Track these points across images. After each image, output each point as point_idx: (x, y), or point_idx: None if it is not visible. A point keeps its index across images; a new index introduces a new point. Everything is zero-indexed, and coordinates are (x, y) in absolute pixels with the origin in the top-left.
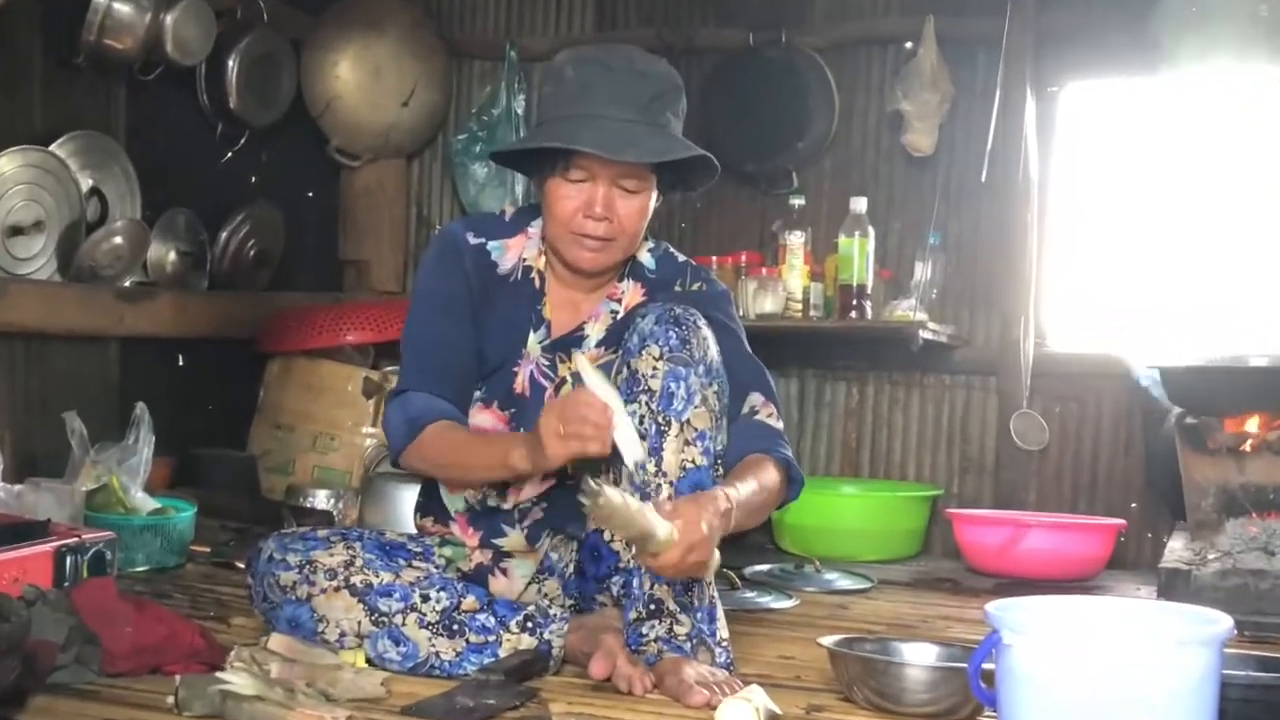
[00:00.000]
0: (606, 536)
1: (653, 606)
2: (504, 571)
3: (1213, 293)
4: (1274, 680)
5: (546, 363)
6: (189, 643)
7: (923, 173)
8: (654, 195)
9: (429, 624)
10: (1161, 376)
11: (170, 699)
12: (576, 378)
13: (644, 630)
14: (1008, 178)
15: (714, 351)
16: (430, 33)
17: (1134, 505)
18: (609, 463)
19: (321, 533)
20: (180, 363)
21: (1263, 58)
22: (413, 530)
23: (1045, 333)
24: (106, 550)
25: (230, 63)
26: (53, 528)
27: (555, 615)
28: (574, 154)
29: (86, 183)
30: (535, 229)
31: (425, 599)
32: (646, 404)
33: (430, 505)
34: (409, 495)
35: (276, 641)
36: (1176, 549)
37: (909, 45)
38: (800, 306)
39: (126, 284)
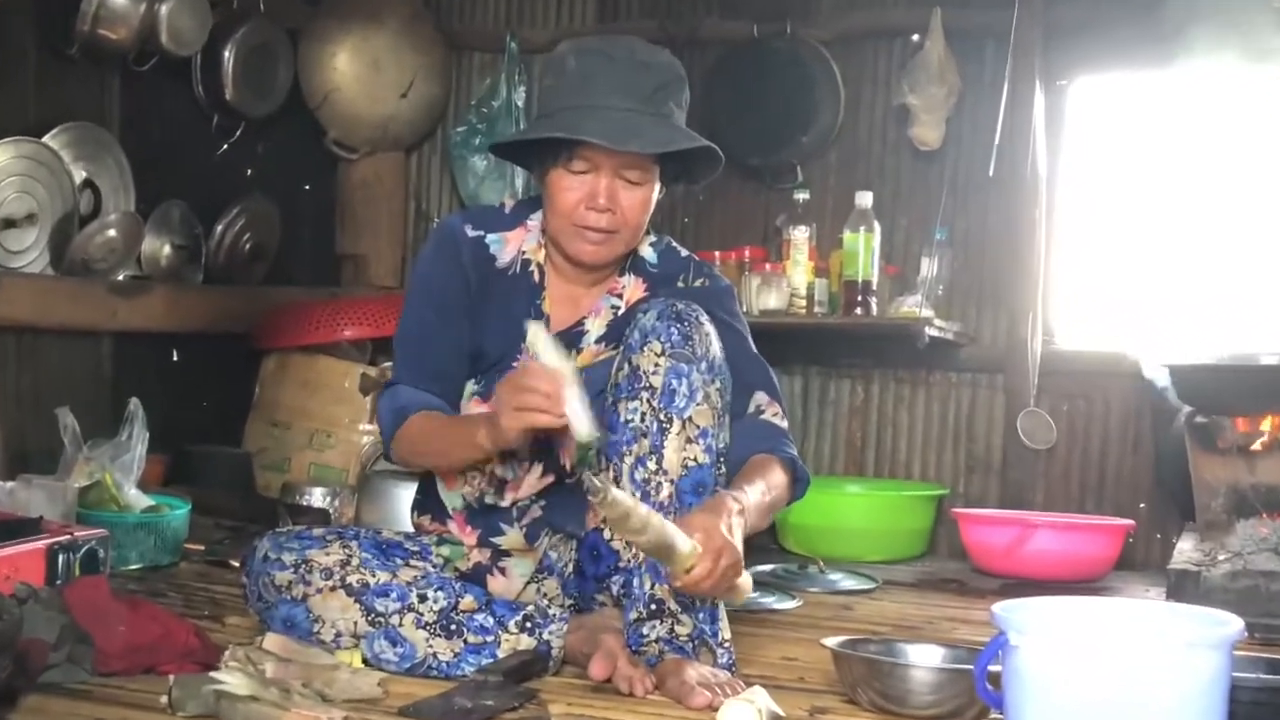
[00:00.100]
0: (606, 535)
1: (654, 607)
2: (502, 571)
3: (1223, 290)
4: None
5: None
6: (183, 642)
7: (929, 167)
8: (657, 187)
9: (426, 624)
10: (1171, 375)
11: (164, 699)
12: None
13: (645, 630)
14: (1016, 172)
15: (716, 348)
16: (430, 24)
17: (1143, 505)
18: (607, 460)
19: (317, 531)
20: (174, 358)
21: (1277, 50)
22: (410, 529)
23: (1053, 330)
24: (99, 548)
25: (226, 53)
26: (45, 525)
27: (554, 615)
28: (576, 145)
29: (80, 175)
30: (535, 222)
31: (423, 599)
32: (648, 400)
33: (428, 503)
34: (406, 493)
35: (272, 641)
36: (1186, 550)
37: (916, 38)
38: (804, 303)
39: (120, 278)
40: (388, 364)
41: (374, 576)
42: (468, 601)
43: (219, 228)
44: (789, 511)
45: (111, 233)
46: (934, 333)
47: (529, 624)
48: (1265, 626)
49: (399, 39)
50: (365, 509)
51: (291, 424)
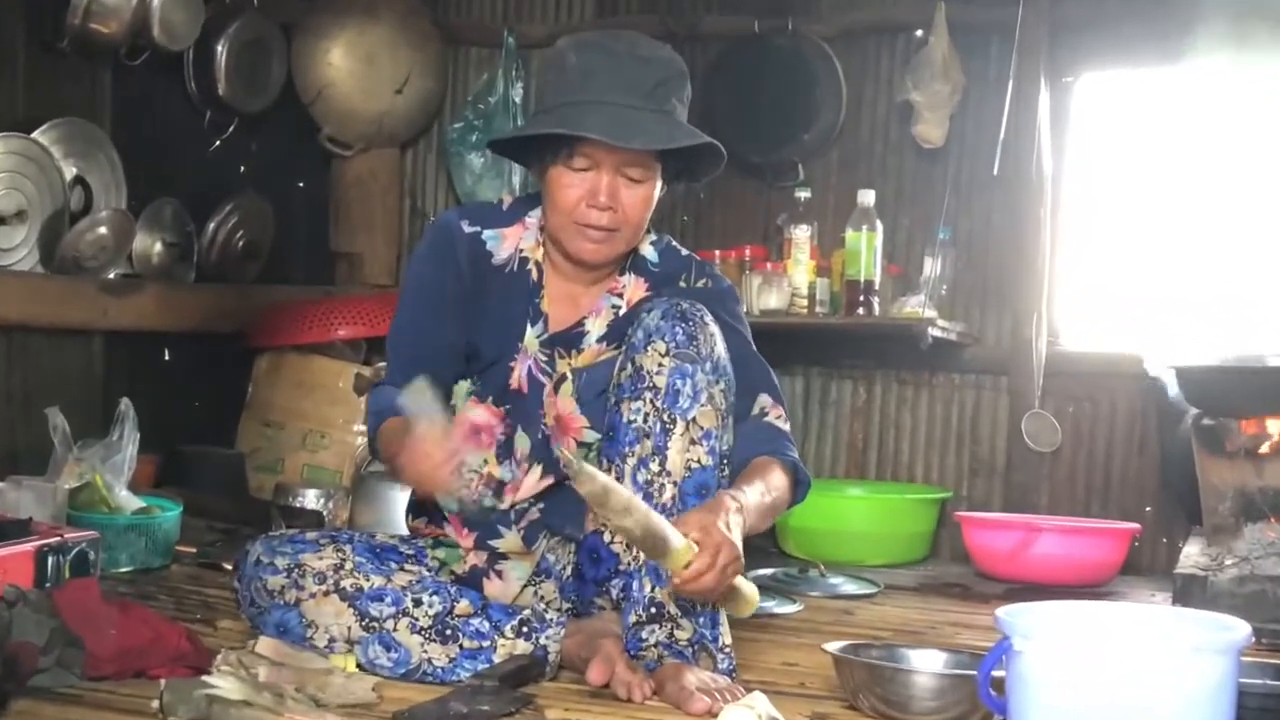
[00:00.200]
0: (606, 538)
1: (653, 610)
2: (499, 574)
3: (1230, 290)
4: None
5: (545, 358)
6: (174, 646)
7: (933, 165)
8: (658, 185)
9: (421, 629)
10: (1178, 376)
11: (155, 703)
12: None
13: (644, 635)
14: (1020, 171)
15: (721, 348)
16: (425, 19)
17: (1149, 509)
18: (607, 458)
19: (310, 535)
20: (166, 357)
21: None
22: (405, 531)
23: (1058, 331)
24: (89, 550)
25: (219, 48)
26: (34, 527)
27: (552, 619)
28: (577, 141)
29: (70, 171)
30: (533, 219)
31: (417, 603)
32: (651, 401)
33: (423, 505)
34: (401, 495)
35: (264, 645)
36: (1192, 554)
37: (919, 33)
38: (806, 303)
39: (111, 276)
40: (382, 364)
41: (368, 581)
42: (463, 606)
43: (211, 225)
44: (790, 515)
45: (102, 230)
46: (937, 333)
47: (525, 628)
48: (1273, 632)
49: (394, 34)
50: (360, 511)
51: (285, 424)
